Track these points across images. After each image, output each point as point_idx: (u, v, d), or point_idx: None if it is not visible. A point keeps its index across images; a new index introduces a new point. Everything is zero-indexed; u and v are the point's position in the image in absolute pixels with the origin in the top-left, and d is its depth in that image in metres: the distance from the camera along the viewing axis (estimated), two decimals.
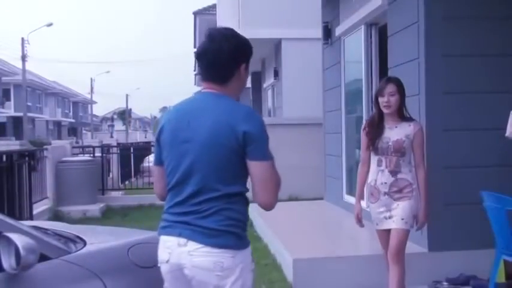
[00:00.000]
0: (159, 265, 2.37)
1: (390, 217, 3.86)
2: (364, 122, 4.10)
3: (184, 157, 2.26)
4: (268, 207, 2.27)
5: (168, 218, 2.33)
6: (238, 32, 2.40)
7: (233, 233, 2.22)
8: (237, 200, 2.26)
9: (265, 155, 2.24)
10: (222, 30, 2.38)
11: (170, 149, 2.32)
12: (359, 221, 4.08)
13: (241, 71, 2.35)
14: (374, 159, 3.96)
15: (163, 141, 2.36)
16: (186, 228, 2.23)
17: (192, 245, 2.20)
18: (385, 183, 3.87)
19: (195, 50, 2.39)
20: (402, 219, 3.81)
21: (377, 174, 3.92)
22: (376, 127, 3.95)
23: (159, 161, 2.42)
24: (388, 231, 3.90)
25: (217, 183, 2.22)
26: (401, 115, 3.95)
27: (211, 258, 2.18)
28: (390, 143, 3.86)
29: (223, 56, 2.29)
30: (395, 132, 3.89)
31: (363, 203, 4.12)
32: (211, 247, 2.19)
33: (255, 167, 2.22)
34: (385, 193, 3.87)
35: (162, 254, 2.32)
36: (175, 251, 2.25)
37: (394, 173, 3.86)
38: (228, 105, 2.28)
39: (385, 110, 3.91)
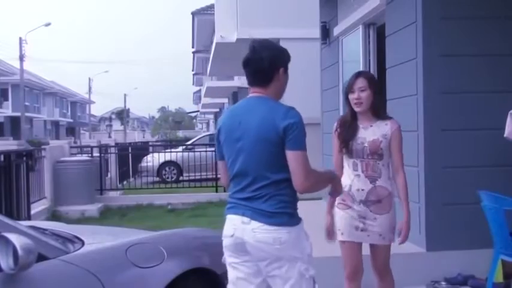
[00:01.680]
0: (223, 238, 2.74)
1: (364, 230, 3.46)
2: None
3: (239, 153, 2.67)
4: (300, 188, 2.60)
5: (232, 201, 2.74)
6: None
7: (286, 213, 2.63)
8: (285, 185, 2.62)
9: (301, 146, 2.58)
10: (262, 42, 2.76)
11: (227, 147, 2.74)
12: (329, 234, 3.63)
13: (280, 74, 2.74)
14: (349, 162, 3.52)
15: (222, 141, 2.78)
16: (248, 209, 2.64)
17: (255, 224, 2.61)
18: (362, 190, 3.44)
19: (242, 60, 2.76)
20: (380, 235, 3.45)
21: (352, 179, 3.48)
22: (348, 127, 3.52)
23: (220, 157, 2.84)
24: (356, 243, 3.52)
25: (266, 172, 2.62)
26: (376, 113, 3.52)
27: (270, 234, 2.58)
28: (366, 144, 3.44)
29: (264, 62, 2.68)
30: (370, 132, 3.47)
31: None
32: (269, 225, 2.59)
33: (291, 155, 2.57)
34: (360, 201, 3.44)
35: (228, 230, 2.71)
36: (239, 227, 2.65)
37: (372, 178, 3.44)
38: (270, 105, 2.66)
39: (356, 108, 3.49)
